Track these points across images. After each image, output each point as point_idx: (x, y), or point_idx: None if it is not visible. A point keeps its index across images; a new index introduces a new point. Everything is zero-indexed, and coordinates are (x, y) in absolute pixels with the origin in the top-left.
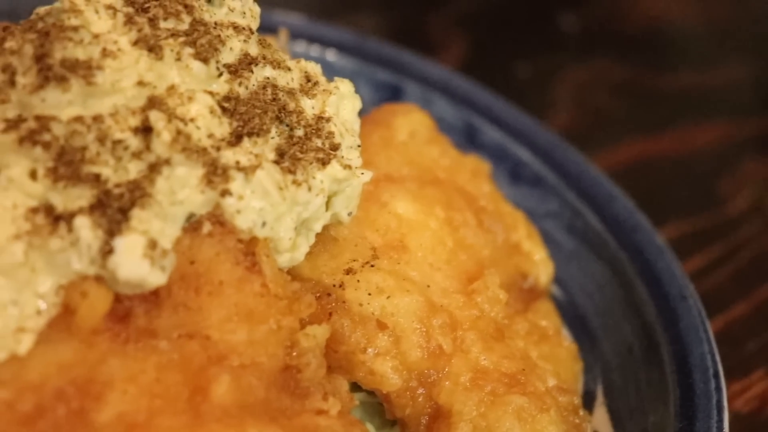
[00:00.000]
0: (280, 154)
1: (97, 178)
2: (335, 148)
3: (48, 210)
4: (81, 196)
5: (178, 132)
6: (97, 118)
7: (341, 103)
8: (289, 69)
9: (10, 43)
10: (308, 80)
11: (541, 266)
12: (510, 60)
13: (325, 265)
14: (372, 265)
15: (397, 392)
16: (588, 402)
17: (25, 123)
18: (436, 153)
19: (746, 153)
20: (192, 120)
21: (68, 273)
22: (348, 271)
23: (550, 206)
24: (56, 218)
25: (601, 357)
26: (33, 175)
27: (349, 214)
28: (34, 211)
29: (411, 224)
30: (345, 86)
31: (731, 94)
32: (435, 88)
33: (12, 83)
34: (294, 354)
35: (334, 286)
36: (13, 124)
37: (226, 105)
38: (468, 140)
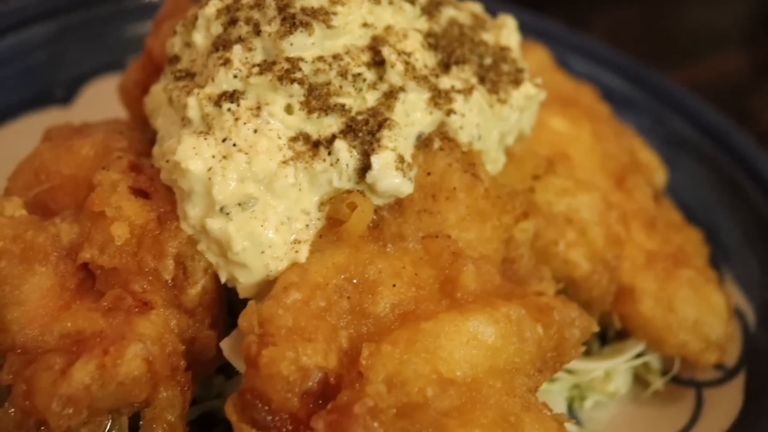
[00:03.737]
0: (481, 78)
1: (342, 107)
2: (521, 71)
3: (305, 138)
4: (332, 124)
5: (406, 63)
6: (336, 57)
7: (510, 35)
8: (461, 9)
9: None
10: (476, 18)
11: (657, 171)
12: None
13: (513, 173)
14: (553, 172)
15: (586, 276)
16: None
17: (276, 65)
18: (561, 80)
19: (765, 75)
20: (411, 53)
21: (329, 190)
22: (535, 177)
23: (644, 123)
24: (314, 144)
25: (720, 242)
26: (289, 109)
27: (531, 128)
28: (293, 139)
29: (567, 137)
30: (511, 21)
31: (739, 26)
32: (523, 30)
33: (257, 33)
34: (510, 247)
35: (524, 190)
36: (266, 67)
37: (430, 40)
38: None
